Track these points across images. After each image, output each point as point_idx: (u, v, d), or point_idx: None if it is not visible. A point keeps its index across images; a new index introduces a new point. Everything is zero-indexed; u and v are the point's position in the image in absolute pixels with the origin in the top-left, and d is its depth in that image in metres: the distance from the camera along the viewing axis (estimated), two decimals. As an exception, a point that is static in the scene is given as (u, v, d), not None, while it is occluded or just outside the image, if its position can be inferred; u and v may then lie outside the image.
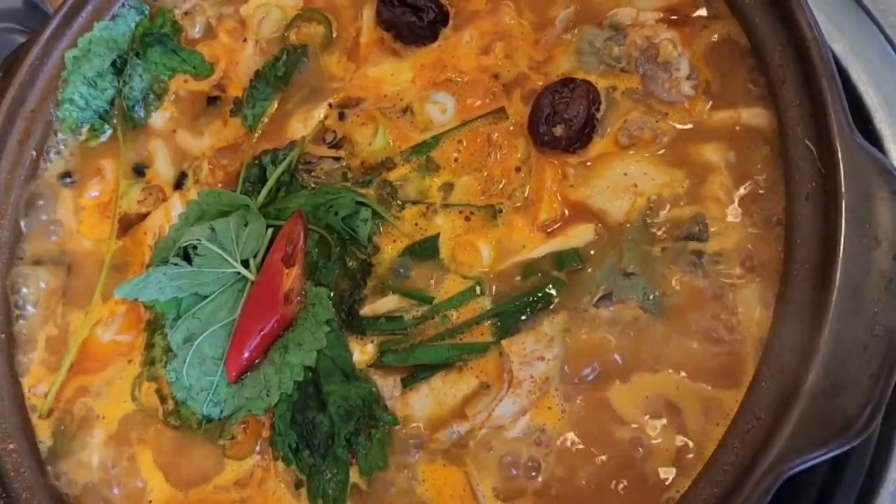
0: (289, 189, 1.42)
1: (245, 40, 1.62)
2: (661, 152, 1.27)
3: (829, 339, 0.99)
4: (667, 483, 1.10)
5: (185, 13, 1.68)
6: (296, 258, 1.29)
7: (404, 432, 1.23)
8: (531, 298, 1.24)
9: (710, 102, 1.27)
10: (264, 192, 1.40)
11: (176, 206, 1.47)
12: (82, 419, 1.40)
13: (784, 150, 1.16)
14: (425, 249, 1.31)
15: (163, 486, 1.32)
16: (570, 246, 1.25)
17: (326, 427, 1.23)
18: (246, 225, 1.33)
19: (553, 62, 1.40)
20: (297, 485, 1.25)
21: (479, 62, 1.43)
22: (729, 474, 1.03)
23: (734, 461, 1.03)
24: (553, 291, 1.24)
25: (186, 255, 1.33)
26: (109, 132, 1.63)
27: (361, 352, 1.28)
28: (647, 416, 1.14)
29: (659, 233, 1.22)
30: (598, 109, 1.31)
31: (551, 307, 1.23)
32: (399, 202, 1.36)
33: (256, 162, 1.46)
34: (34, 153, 1.60)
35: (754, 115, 1.23)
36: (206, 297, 1.32)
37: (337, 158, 1.43)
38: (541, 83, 1.37)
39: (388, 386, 1.25)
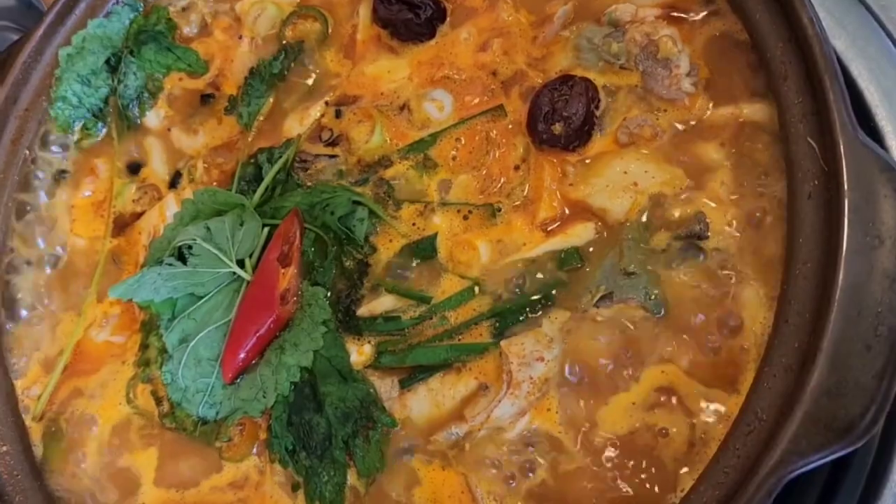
0: (285, 188, 1.41)
1: (240, 37, 1.61)
2: (661, 150, 1.26)
3: (832, 339, 0.97)
4: (668, 485, 1.09)
5: (180, 10, 1.67)
6: (292, 258, 1.28)
7: (402, 434, 1.22)
8: (530, 298, 1.23)
9: (711, 99, 1.27)
10: (260, 190, 1.39)
11: (171, 205, 1.46)
12: (76, 421, 1.39)
13: (786, 148, 1.15)
14: (423, 249, 1.30)
15: (157, 489, 1.31)
16: (569, 245, 1.24)
17: (323, 429, 1.22)
18: (241, 224, 1.32)
19: (551, 59, 1.39)
20: (294, 487, 1.24)
21: (477, 59, 1.43)
22: (730, 476, 1.02)
23: (736, 463, 1.02)
24: (553, 291, 1.23)
25: (181, 255, 1.32)
26: (103, 131, 1.62)
27: (359, 353, 1.27)
28: (648, 418, 1.13)
29: (659, 232, 1.21)
30: (597, 107, 1.31)
31: (551, 307, 1.22)
32: (396, 201, 1.35)
33: (252, 160, 1.46)
34: (27, 152, 1.59)
35: (755, 113, 1.22)
36: (201, 297, 1.31)
37: (333, 157, 1.42)
38: (539, 80, 1.36)
39: (385, 387, 1.24)
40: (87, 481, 1.34)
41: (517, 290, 1.25)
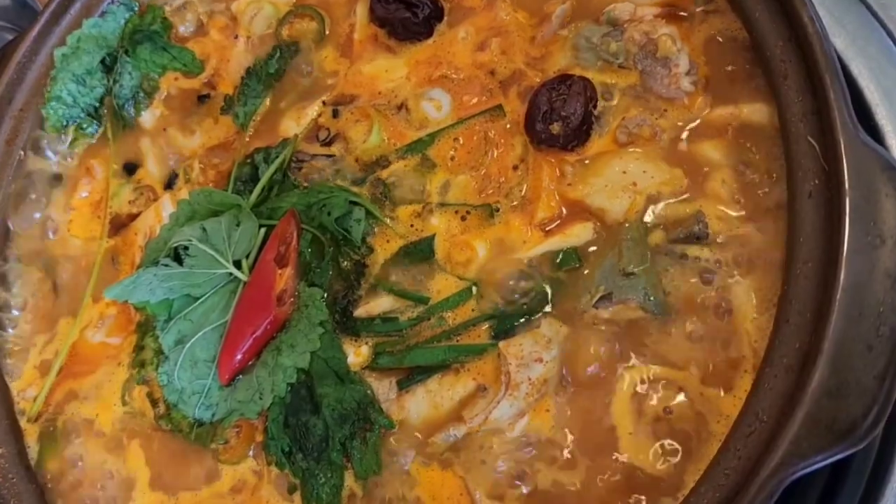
0: (281, 188, 1.40)
1: (236, 37, 1.60)
2: (660, 150, 1.25)
3: (833, 339, 0.97)
4: (668, 487, 1.08)
5: (176, 10, 1.67)
6: (289, 258, 1.28)
7: (400, 435, 1.21)
8: (529, 299, 1.22)
9: (710, 99, 1.26)
10: (256, 191, 1.38)
11: (167, 205, 1.46)
12: (71, 423, 1.38)
13: (786, 147, 1.14)
14: (420, 250, 1.29)
15: (153, 491, 1.30)
16: (568, 245, 1.24)
17: (320, 430, 1.21)
18: (238, 225, 1.31)
19: (550, 59, 1.38)
20: (291, 489, 1.23)
21: (475, 59, 1.42)
22: (731, 478, 1.01)
23: (736, 465, 1.01)
24: (551, 292, 1.22)
25: (177, 256, 1.32)
26: (99, 131, 1.61)
27: (356, 354, 1.26)
28: (648, 420, 1.12)
29: (659, 232, 1.20)
30: (595, 106, 1.30)
31: (549, 308, 1.21)
32: (393, 201, 1.34)
33: (248, 160, 1.45)
34: (22, 153, 1.58)
35: (755, 112, 1.21)
36: (197, 298, 1.31)
37: (330, 156, 1.42)
38: (538, 80, 1.36)
39: (383, 388, 1.23)
40: (81, 483, 1.34)
41: (515, 290, 1.24)
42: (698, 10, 1.31)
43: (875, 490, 1.18)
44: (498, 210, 1.30)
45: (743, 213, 1.17)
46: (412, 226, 1.32)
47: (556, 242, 1.24)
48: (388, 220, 1.33)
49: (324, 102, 1.48)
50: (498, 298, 1.24)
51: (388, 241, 1.32)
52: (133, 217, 1.50)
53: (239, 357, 1.25)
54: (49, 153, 1.60)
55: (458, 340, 1.23)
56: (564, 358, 1.17)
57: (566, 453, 1.14)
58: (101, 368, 1.40)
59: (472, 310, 1.25)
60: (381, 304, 1.27)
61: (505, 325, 1.22)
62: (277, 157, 1.41)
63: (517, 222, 1.28)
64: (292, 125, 1.47)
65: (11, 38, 1.73)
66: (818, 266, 1.03)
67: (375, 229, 1.33)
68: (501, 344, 1.19)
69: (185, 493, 1.28)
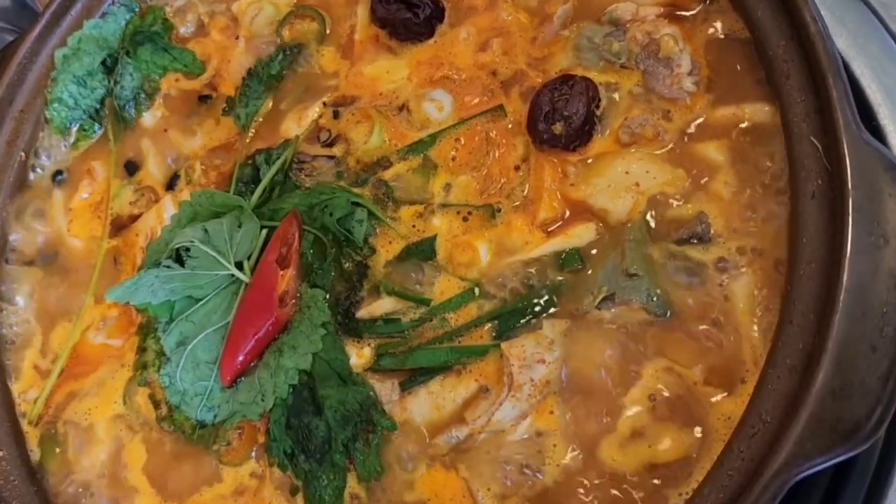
0: (283, 189, 1.40)
1: (237, 38, 1.60)
2: (662, 150, 1.25)
3: (837, 339, 0.96)
4: (671, 488, 1.08)
5: (177, 10, 1.66)
6: (290, 260, 1.27)
7: (402, 437, 1.21)
8: (531, 300, 1.22)
9: (713, 98, 1.26)
10: (258, 192, 1.38)
11: (168, 207, 1.46)
12: (73, 425, 1.37)
13: (789, 147, 1.14)
14: (422, 251, 1.29)
15: (155, 493, 1.30)
16: (570, 246, 1.23)
17: (323, 432, 1.21)
18: (239, 226, 1.31)
19: (551, 59, 1.38)
20: (293, 491, 1.23)
21: (477, 59, 1.42)
22: (734, 479, 1.01)
23: (740, 466, 1.01)
24: (553, 293, 1.22)
25: (179, 258, 1.31)
26: (100, 132, 1.61)
27: (358, 355, 1.26)
28: (651, 420, 1.12)
29: (661, 232, 1.20)
30: (597, 106, 1.30)
31: (552, 309, 1.21)
32: (395, 202, 1.34)
33: (250, 162, 1.45)
34: (23, 154, 1.58)
35: (758, 112, 1.21)
36: (199, 300, 1.31)
37: (331, 157, 1.41)
38: (539, 80, 1.36)
39: (385, 390, 1.23)
40: (83, 485, 1.33)
41: (517, 291, 1.23)
42: (701, 9, 1.31)
43: (878, 491, 1.17)
44: (500, 210, 1.30)
45: (745, 213, 1.17)
46: (414, 226, 1.32)
47: (559, 243, 1.24)
48: (390, 221, 1.32)
49: (325, 103, 1.47)
50: (500, 299, 1.24)
51: (390, 242, 1.32)
52: (134, 218, 1.50)
53: (241, 358, 1.25)
54: (50, 154, 1.60)
55: (460, 342, 1.23)
56: (567, 359, 1.17)
57: (569, 454, 1.14)
58: (102, 370, 1.39)
59: (474, 311, 1.24)
60: (383, 305, 1.27)
61: (507, 326, 1.21)
62: (279, 158, 1.41)
63: (519, 223, 1.28)
64: (293, 126, 1.47)
65: (12, 40, 1.72)
66: (821, 266, 1.03)
67: (377, 230, 1.33)
68: (504, 345, 1.19)
69: (185, 494, 1.28)
